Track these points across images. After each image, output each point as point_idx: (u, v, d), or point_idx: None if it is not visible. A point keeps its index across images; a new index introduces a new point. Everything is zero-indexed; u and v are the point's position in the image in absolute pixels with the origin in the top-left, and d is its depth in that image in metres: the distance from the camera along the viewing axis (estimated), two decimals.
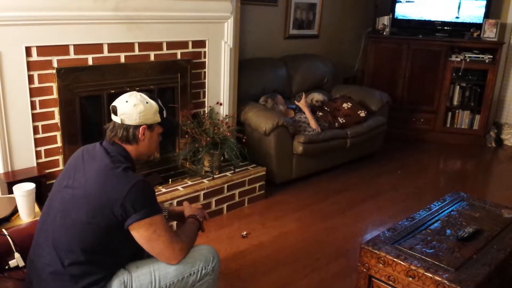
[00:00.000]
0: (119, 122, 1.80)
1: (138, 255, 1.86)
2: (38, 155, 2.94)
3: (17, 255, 1.90)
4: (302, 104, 4.25)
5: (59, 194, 1.76)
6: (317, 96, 4.64)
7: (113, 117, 1.83)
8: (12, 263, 1.89)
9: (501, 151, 5.55)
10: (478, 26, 5.46)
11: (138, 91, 1.88)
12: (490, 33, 5.37)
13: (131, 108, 1.79)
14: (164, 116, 1.90)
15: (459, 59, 5.37)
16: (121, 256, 1.80)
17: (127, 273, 1.77)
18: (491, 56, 5.32)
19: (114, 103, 1.82)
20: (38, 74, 2.83)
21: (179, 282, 1.81)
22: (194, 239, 1.91)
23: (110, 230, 1.68)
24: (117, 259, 1.78)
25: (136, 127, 1.81)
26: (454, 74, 5.44)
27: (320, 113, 4.40)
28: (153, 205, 1.73)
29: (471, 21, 5.52)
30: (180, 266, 1.81)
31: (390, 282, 2.02)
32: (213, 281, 1.93)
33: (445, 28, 5.61)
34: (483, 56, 5.34)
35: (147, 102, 1.82)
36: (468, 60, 5.36)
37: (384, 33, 5.67)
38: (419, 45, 5.51)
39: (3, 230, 1.97)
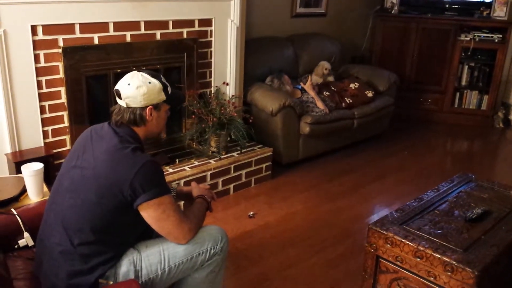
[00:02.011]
0: (125, 106, 1.78)
1: (147, 234, 1.87)
2: (45, 135, 2.94)
3: (26, 234, 1.91)
4: (308, 86, 4.21)
5: (68, 174, 1.76)
6: (326, 64, 4.59)
7: (118, 100, 1.80)
8: (22, 242, 1.91)
9: (509, 132, 5.51)
10: (488, 5, 5.36)
11: (140, 70, 1.83)
12: (500, 12, 5.28)
13: (134, 90, 1.75)
14: (169, 92, 1.85)
15: (468, 38, 5.29)
16: (130, 235, 1.80)
17: (137, 252, 1.78)
18: (501, 36, 5.24)
19: (116, 87, 1.79)
20: (44, 53, 2.81)
21: (188, 261, 1.82)
22: (202, 219, 1.92)
23: (119, 210, 1.68)
24: (126, 238, 1.79)
25: (143, 108, 1.78)
26: (463, 54, 5.37)
27: (327, 93, 4.37)
28: (162, 185, 1.72)
29: (481, 0, 5.43)
30: (189, 245, 1.81)
31: (398, 263, 2.02)
32: (222, 260, 1.93)
33: (454, 6, 5.52)
34: (492, 35, 5.26)
35: (149, 82, 1.77)
36: (477, 39, 5.28)
37: (393, 12, 5.59)
38: (428, 23, 5.44)
39: (12, 209, 1.98)
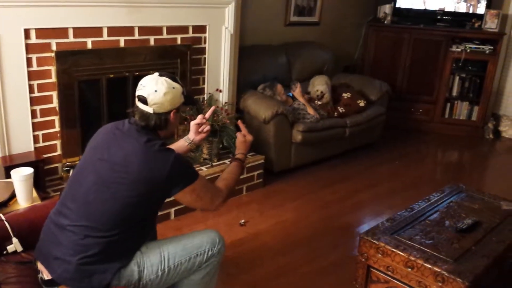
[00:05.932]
0: (151, 112, 1.80)
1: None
2: (36, 139, 2.91)
3: (15, 240, 1.89)
4: (297, 93, 4.23)
5: (93, 167, 1.77)
6: (318, 87, 4.56)
7: (141, 106, 1.80)
8: (10, 248, 1.88)
9: (498, 143, 5.55)
10: (479, 17, 5.42)
11: (161, 74, 1.84)
12: (491, 24, 5.34)
13: (162, 97, 1.78)
14: (185, 94, 1.91)
15: (459, 50, 5.34)
16: (148, 230, 1.89)
17: (140, 253, 1.81)
18: (492, 47, 5.29)
19: (141, 93, 1.79)
20: (37, 57, 2.79)
21: (187, 262, 1.86)
22: (235, 184, 2.03)
23: (149, 202, 1.77)
24: (145, 234, 1.85)
25: (167, 113, 1.84)
26: (454, 65, 5.42)
27: (319, 102, 4.38)
28: (192, 172, 1.83)
29: (472, 11, 5.49)
30: (188, 246, 1.87)
31: (389, 272, 2.03)
32: (218, 263, 1.97)
33: (446, 18, 5.57)
34: (483, 47, 5.32)
35: (173, 87, 1.82)
36: (468, 50, 5.34)
37: (385, 22, 5.64)
38: (420, 34, 5.48)
39: (1, 215, 1.95)
